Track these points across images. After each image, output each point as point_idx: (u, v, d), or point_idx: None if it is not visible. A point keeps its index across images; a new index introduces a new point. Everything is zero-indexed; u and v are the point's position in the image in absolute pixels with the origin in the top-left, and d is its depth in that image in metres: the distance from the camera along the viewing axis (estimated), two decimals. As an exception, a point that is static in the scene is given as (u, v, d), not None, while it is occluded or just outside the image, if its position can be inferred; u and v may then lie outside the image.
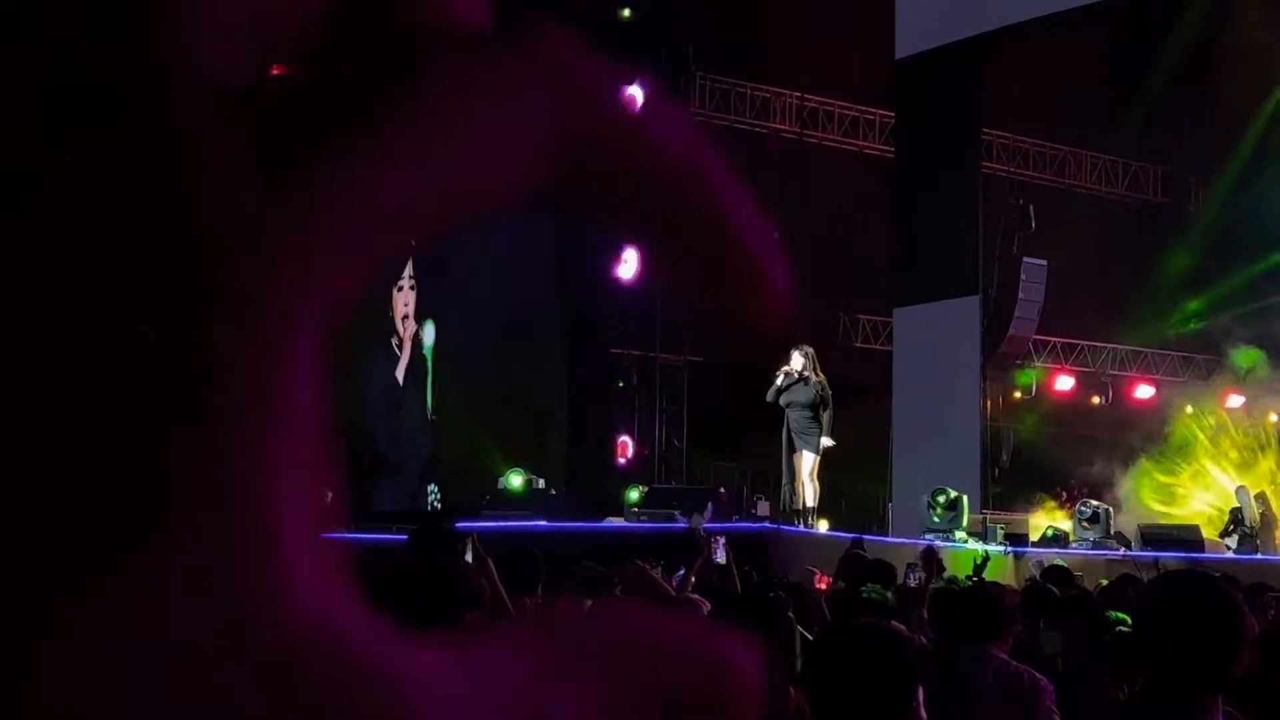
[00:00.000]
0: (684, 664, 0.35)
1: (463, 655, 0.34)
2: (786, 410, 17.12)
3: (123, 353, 0.30)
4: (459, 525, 16.41)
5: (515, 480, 20.08)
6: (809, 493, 17.18)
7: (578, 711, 0.33)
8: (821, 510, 18.54)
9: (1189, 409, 26.46)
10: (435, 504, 20.95)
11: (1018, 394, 25.11)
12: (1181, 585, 3.41)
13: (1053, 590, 8.14)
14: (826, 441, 17.09)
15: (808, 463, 17.18)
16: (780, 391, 17.01)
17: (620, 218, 0.39)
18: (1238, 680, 3.27)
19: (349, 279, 0.33)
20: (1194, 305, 26.23)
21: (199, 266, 0.31)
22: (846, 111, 24.44)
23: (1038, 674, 5.73)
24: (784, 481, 17.53)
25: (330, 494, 0.31)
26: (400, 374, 25.53)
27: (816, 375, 17.02)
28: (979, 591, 6.13)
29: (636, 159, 0.37)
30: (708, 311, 0.40)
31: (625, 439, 21.57)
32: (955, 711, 5.40)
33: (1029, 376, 24.87)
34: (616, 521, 18.04)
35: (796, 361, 16.93)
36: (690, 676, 0.35)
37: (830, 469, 20.87)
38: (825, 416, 17.02)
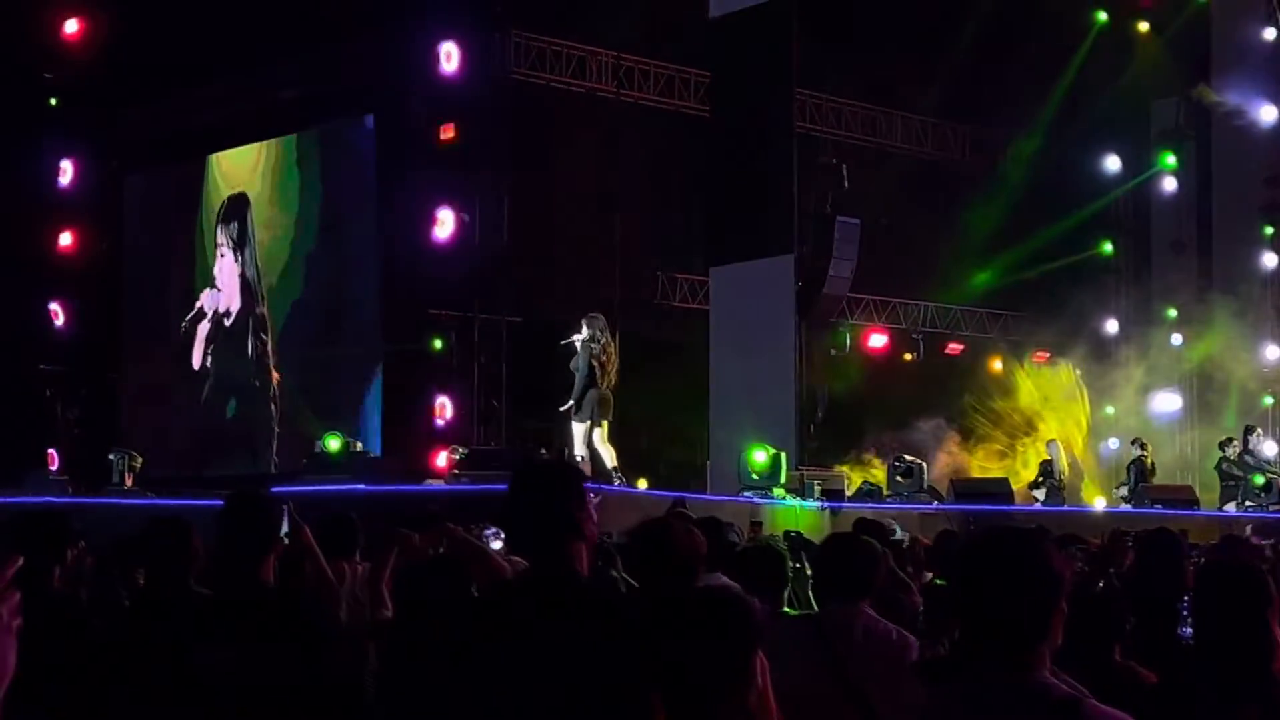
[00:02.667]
0: None
1: None
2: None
3: None
4: (275, 490, 16.14)
5: (333, 443, 19.82)
6: (605, 456, 17.37)
7: None
8: (639, 469, 18.67)
9: (997, 365, 27.09)
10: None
11: (832, 351, 25.41)
12: (995, 541, 3.40)
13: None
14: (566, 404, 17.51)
15: (579, 432, 17.50)
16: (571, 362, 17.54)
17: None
18: (1059, 637, 3.27)
19: None
20: (1001, 262, 26.74)
21: None
22: (663, 70, 24.43)
23: (905, 631, 5.68)
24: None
25: None
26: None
27: (593, 342, 17.30)
28: (848, 548, 6.01)
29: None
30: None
31: (444, 400, 21.38)
32: (825, 671, 5.37)
33: (844, 336, 25.18)
34: (436, 484, 17.92)
35: (583, 331, 17.34)
36: None
37: (648, 427, 20.96)
38: (579, 386, 17.36)
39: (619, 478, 17.40)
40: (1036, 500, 22.55)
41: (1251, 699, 4.32)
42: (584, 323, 17.50)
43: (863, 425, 24.56)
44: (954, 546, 9.46)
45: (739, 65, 22.97)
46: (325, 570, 6.89)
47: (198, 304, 25.11)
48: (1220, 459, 22.88)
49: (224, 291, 24.91)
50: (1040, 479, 23.14)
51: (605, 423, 17.66)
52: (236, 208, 24.74)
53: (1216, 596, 4.60)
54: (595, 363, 17.41)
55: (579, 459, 17.28)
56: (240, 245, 24.65)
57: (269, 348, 24.10)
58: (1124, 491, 23.24)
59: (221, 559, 5.20)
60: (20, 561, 2.32)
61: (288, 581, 5.78)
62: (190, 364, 25.37)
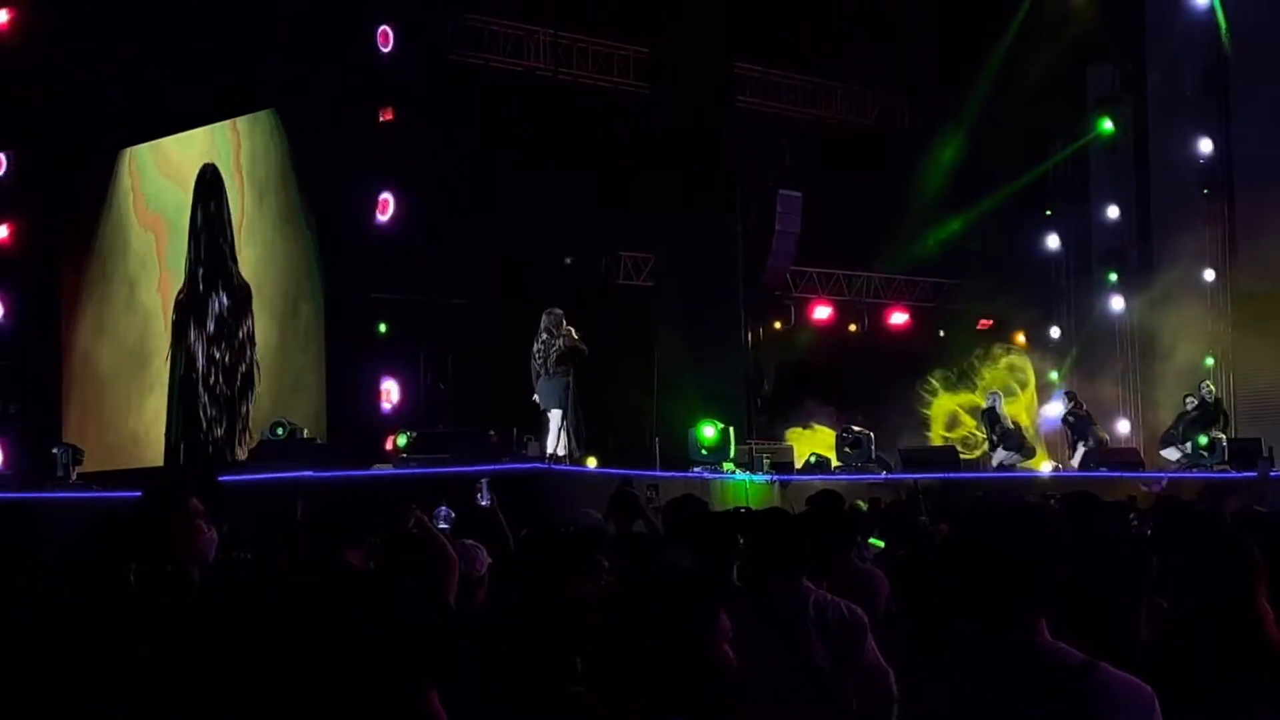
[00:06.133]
0: None
1: None
2: None
3: None
4: (225, 479, 16.06)
5: (280, 431, 19.73)
6: (550, 440, 18.26)
7: None
8: (587, 447, 18.81)
9: (941, 333, 27.22)
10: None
11: (777, 324, 25.47)
12: (1010, 511, 3.41)
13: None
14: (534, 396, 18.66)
15: (554, 419, 18.48)
16: None
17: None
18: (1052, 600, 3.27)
19: None
20: (943, 231, 26.80)
21: None
22: (600, 48, 24.35)
23: (853, 604, 5.62)
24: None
25: None
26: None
27: (552, 333, 18.44)
28: (787, 523, 5.94)
29: None
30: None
31: (390, 384, 21.29)
32: (783, 650, 5.32)
33: (789, 308, 25.21)
34: (384, 468, 17.88)
35: (542, 324, 18.56)
36: None
37: (595, 405, 21.01)
38: (541, 376, 18.58)
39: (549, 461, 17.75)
40: (1001, 451, 22.60)
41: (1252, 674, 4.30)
42: (543, 316, 18.48)
43: (810, 397, 24.62)
44: (912, 514, 9.52)
45: (677, 41, 22.97)
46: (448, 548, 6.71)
47: (163, 271, 24.63)
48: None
49: (196, 260, 24.35)
50: (992, 436, 23.11)
51: (558, 409, 18.34)
52: (214, 179, 24.17)
53: (1202, 566, 4.56)
54: (556, 354, 18.22)
55: (551, 445, 17.86)
56: (216, 216, 24.14)
57: (246, 324, 23.72)
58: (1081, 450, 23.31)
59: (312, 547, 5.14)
60: None
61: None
62: (145, 349, 24.94)
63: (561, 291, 21.17)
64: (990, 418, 23.35)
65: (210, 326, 23.99)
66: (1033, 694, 3.15)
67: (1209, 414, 22.96)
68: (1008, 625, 3.22)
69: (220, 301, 23.95)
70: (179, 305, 24.45)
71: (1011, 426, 23.15)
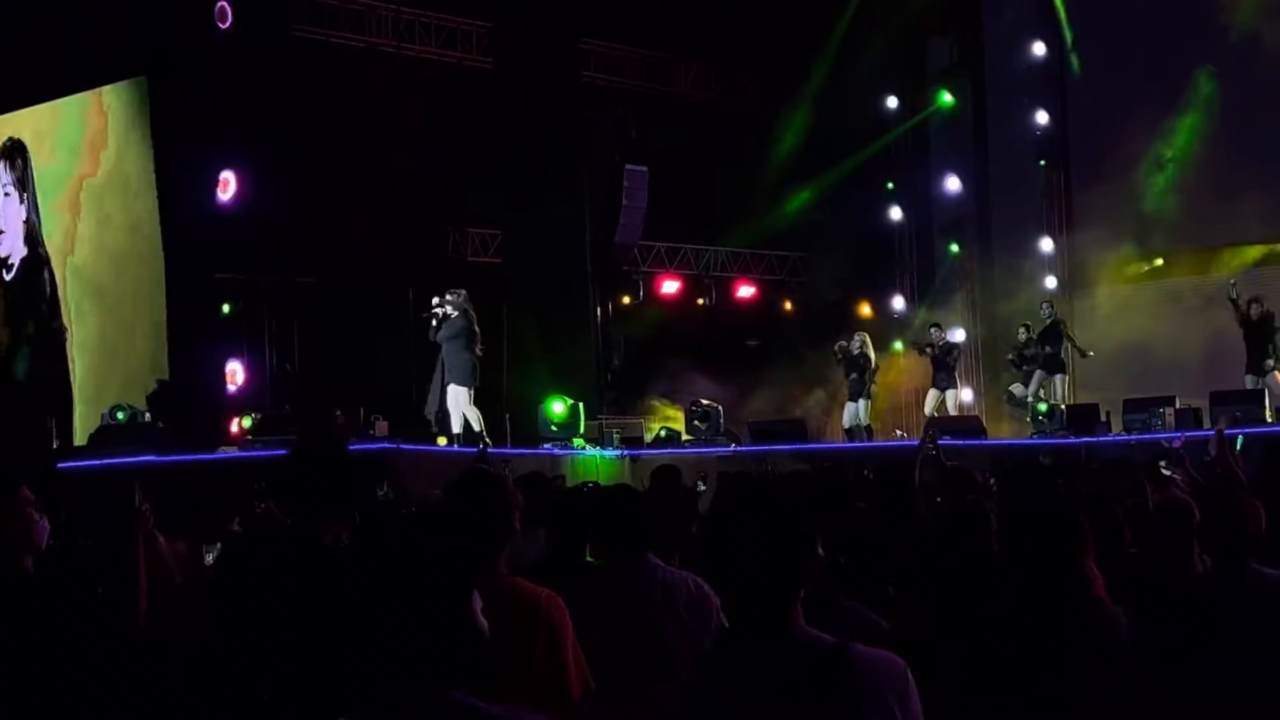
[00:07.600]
0: None
1: None
2: (443, 347, 18.54)
3: None
4: (62, 465, 15.71)
5: (120, 415, 19.37)
6: (472, 419, 18.31)
7: None
8: (439, 425, 18.73)
9: (789, 306, 27.45)
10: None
11: (626, 299, 25.50)
12: (744, 501, 3.32)
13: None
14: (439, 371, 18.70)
15: (462, 396, 18.41)
16: (436, 332, 18.45)
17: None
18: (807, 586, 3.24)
19: None
20: (789, 205, 26.99)
21: None
22: (445, 23, 24.16)
23: (700, 579, 5.61)
24: (431, 412, 19.08)
25: None
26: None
27: (465, 315, 18.37)
28: (633, 498, 5.91)
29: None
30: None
31: (235, 366, 20.98)
32: (632, 627, 5.32)
33: (636, 283, 25.22)
34: (230, 451, 17.66)
35: (448, 303, 18.44)
36: None
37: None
38: (452, 353, 18.41)
39: (486, 441, 17.79)
40: (863, 393, 22.67)
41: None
42: (449, 296, 18.48)
43: (660, 371, 24.70)
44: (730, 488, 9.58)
45: (520, 15, 22.89)
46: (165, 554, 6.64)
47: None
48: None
49: (6, 234, 23.90)
50: (857, 374, 23.03)
51: (474, 388, 18.51)
52: (19, 149, 23.75)
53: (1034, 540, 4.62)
54: (468, 332, 18.30)
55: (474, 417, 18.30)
56: (24, 187, 23.70)
57: (60, 299, 23.29)
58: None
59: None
60: None
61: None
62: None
63: (409, 269, 21.04)
64: (862, 361, 23.23)
65: (55, 290, 23.56)
66: (789, 684, 3.12)
67: (1049, 330, 23.22)
68: (759, 612, 3.20)
69: (57, 269, 23.56)
70: (14, 265, 23.86)
71: (873, 368, 23.21)
